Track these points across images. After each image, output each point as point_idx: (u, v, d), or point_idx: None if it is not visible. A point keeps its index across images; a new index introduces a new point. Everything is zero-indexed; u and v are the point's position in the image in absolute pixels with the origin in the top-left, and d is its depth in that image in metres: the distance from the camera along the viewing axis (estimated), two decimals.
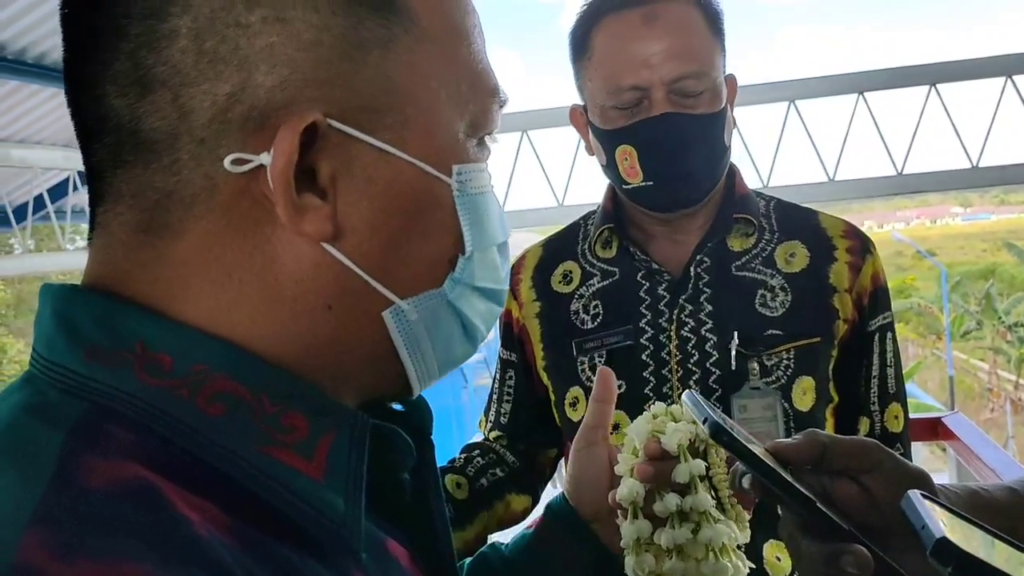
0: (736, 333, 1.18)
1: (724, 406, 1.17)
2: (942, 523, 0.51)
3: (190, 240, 0.46)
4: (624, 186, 1.22)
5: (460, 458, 1.31)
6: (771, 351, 1.18)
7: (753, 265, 1.23)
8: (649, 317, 1.22)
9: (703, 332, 1.20)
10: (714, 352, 1.19)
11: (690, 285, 1.22)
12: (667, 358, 1.20)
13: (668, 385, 1.20)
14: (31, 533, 0.37)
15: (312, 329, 0.48)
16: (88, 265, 0.49)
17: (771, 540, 1.17)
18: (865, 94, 4.63)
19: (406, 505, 0.55)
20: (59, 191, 6.94)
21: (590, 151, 1.28)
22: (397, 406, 0.57)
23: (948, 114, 4.61)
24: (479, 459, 1.30)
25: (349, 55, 0.46)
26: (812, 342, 1.20)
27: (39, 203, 6.59)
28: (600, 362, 1.24)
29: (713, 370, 1.19)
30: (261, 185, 0.45)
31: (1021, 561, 0.52)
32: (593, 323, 1.25)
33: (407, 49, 0.48)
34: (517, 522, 1.31)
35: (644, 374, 1.21)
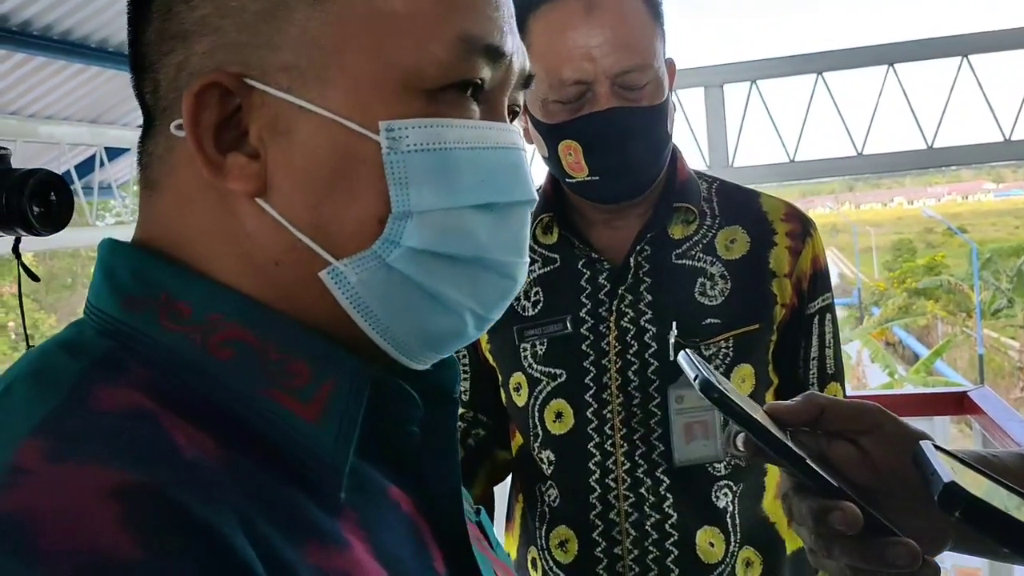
0: (675, 323, 1.17)
1: (661, 397, 1.17)
2: (952, 471, 0.51)
3: (167, 198, 0.52)
4: (568, 180, 1.19)
5: None
6: (709, 340, 1.18)
7: (694, 253, 1.21)
8: (589, 306, 1.21)
9: (642, 323, 1.19)
10: (653, 343, 1.19)
11: (630, 275, 1.21)
12: (606, 348, 1.19)
13: (607, 375, 1.20)
14: (30, 440, 0.42)
15: (268, 285, 0.50)
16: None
17: (704, 527, 1.18)
18: (895, 66, 4.55)
19: (415, 456, 0.55)
20: (86, 167, 6.98)
21: (529, 140, 1.22)
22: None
23: (980, 86, 4.51)
24: (459, 423, 1.32)
25: (273, 16, 0.48)
26: (751, 330, 1.19)
27: (67, 179, 6.64)
28: (541, 350, 1.23)
29: (652, 361, 1.18)
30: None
31: None
32: (534, 310, 1.24)
33: (332, 7, 0.48)
34: (505, 475, 1.35)
35: (584, 364, 1.20)
